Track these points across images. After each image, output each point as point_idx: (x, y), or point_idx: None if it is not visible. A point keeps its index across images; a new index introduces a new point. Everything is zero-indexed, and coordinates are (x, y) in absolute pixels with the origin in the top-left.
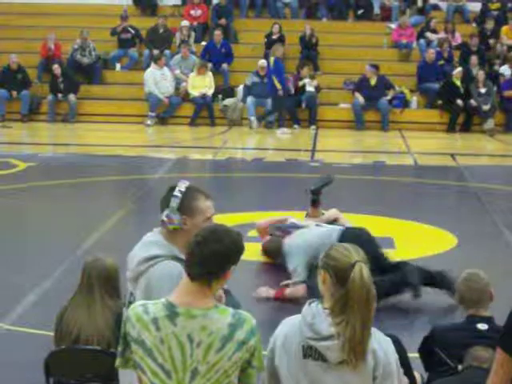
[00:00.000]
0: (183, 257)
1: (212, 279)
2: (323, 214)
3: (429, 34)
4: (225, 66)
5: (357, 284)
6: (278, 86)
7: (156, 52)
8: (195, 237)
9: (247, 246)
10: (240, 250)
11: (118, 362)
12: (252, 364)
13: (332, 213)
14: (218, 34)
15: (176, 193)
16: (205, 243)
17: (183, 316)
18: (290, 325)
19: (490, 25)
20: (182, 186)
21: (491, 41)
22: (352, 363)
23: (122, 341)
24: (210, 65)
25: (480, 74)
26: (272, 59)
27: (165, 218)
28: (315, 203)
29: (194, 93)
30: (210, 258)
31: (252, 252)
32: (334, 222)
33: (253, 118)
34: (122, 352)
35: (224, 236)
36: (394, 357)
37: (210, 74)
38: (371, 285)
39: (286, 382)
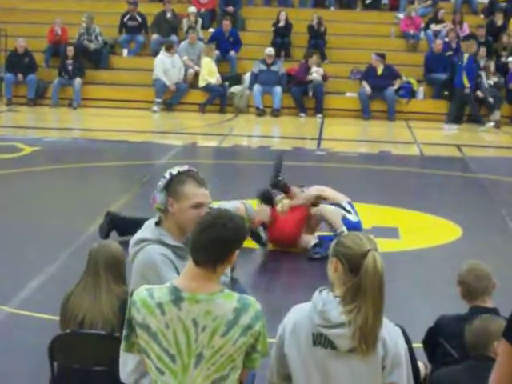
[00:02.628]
0: (169, 241)
1: (217, 264)
2: (302, 191)
3: (433, 26)
4: (232, 53)
5: (370, 272)
6: (467, 83)
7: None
8: (199, 223)
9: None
10: (244, 234)
11: (122, 346)
12: (256, 349)
13: (313, 190)
14: (226, 23)
15: (166, 174)
16: (209, 229)
17: (188, 301)
18: (299, 312)
19: (498, 17)
20: (176, 169)
21: (499, 32)
22: (362, 351)
23: (127, 325)
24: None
25: (489, 65)
26: (466, 56)
27: (151, 198)
28: (284, 191)
29: (211, 80)
30: (215, 244)
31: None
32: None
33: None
34: (127, 336)
35: (228, 221)
36: (403, 347)
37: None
38: (383, 273)
39: (294, 370)
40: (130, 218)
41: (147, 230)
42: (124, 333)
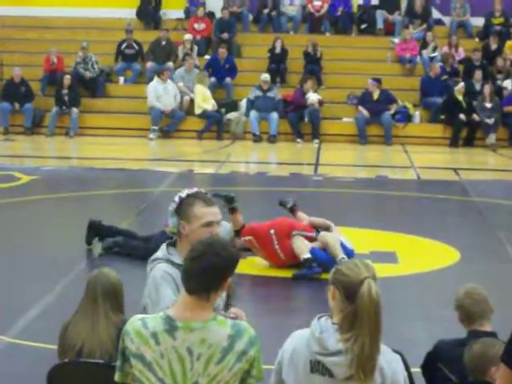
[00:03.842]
0: (177, 260)
1: (210, 292)
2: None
3: (424, 51)
4: (228, 80)
5: (365, 300)
6: None
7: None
8: (191, 251)
9: (251, 260)
10: (236, 261)
11: (116, 376)
12: (251, 374)
13: (320, 220)
14: (222, 51)
15: (176, 198)
16: (201, 257)
17: (182, 329)
18: (298, 338)
19: (493, 40)
20: (185, 192)
21: (495, 56)
22: (360, 379)
23: (121, 355)
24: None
25: (486, 89)
26: None
27: (163, 221)
28: (292, 211)
29: (207, 106)
30: (208, 272)
31: (255, 267)
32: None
33: None
34: (121, 366)
35: (220, 249)
36: (402, 375)
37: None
38: (380, 301)
39: None
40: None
41: (160, 251)
42: (118, 363)
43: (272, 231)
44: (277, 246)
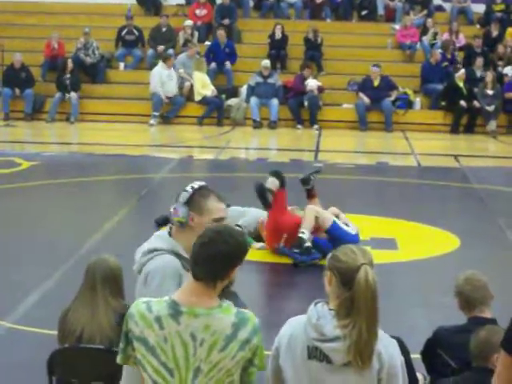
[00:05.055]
0: (184, 254)
1: (217, 280)
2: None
3: (424, 38)
4: (228, 65)
5: (362, 286)
6: None
7: (161, 49)
8: (200, 238)
9: (252, 246)
10: (245, 250)
11: (118, 358)
12: (253, 363)
13: (331, 210)
14: (221, 33)
15: (188, 188)
16: (210, 244)
17: (187, 315)
18: (295, 324)
19: (494, 27)
20: (197, 183)
21: (496, 43)
22: (358, 365)
23: (124, 338)
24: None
25: (488, 76)
26: None
27: (171, 210)
28: (309, 194)
29: (206, 92)
30: (216, 259)
31: (256, 253)
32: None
33: None
34: (124, 349)
35: (229, 237)
36: (399, 359)
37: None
38: (376, 287)
39: (289, 382)
40: None
41: (160, 240)
42: (120, 345)
43: (285, 235)
44: (281, 245)
